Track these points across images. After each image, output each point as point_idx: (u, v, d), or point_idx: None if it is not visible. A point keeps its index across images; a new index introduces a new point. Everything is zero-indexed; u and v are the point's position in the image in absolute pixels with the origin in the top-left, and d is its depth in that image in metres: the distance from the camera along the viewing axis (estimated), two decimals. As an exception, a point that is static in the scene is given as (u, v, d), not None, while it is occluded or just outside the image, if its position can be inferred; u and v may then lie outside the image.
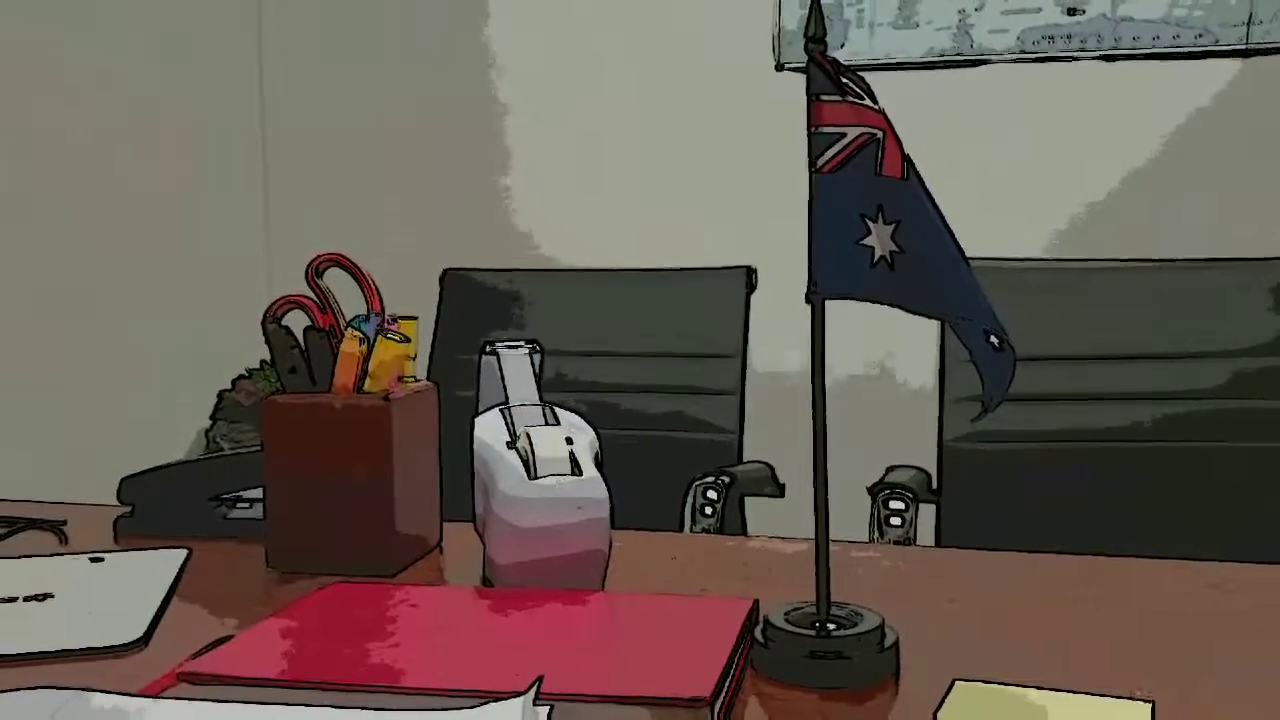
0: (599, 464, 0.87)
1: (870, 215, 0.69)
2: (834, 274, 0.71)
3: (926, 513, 1.64)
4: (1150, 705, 0.65)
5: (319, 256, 0.98)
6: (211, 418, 2.66)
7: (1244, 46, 2.37)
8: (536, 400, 0.92)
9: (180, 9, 2.70)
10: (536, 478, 0.84)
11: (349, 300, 0.99)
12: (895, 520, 1.57)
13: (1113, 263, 1.78)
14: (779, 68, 2.60)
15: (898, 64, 2.54)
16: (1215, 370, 1.67)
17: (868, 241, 0.69)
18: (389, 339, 0.96)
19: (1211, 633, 0.81)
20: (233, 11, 2.88)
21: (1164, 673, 0.73)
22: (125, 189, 2.53)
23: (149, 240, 2.58)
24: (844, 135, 0.68)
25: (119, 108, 2.53)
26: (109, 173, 2.50)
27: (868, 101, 0.68)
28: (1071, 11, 2.44)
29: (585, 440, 0.88)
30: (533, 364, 0.96)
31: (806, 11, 0.78)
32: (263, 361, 2.65)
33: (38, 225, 2.33)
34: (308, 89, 2.92)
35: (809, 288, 0.71)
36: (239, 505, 1.06)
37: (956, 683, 0.68)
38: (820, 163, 0.69)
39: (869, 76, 0.70)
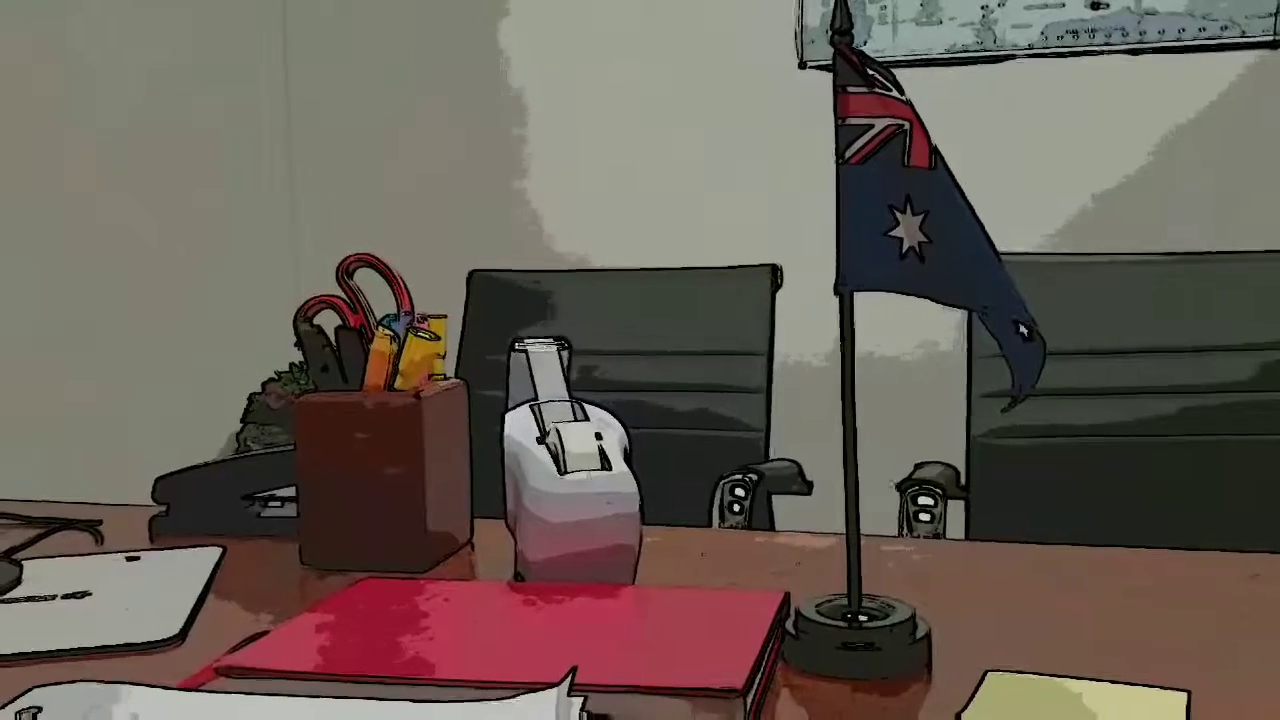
0: (628, 459, 0.87)
1: (898, 206, 0.69)
2: (862, 266, 0.71)
3: (955, 509, 1.64)
4: (1186, 695, 0.65)
5: (350, 257, 0.98)
6: (242, 420, 2.68)
7: (1271, 38, 2.35)
8: (566, 396, 0.93)
9: (206, 11, 2.72)
10: (566, 473, 0.84)
11: (378, 300, 1.00)
12: (924, 516, 1.56)
13: (1141, 256, 1.76)
14: (802, 65, 2.60)
15: (921, 60, 2.53)
16: (1248, 364, 1.65)
17: (896, 233, 0.69)
18: (419, 337, 0.96)
19: (1250, 623, 0.80)
20: (258, 13, 2.90)
21: (1201, 662, 0.72)
22: (152, 193, 2.55)
23: (176, 245, 2.61)
24: (871, 126, 0.68)
25: (146, 111, 2.55)
26: (136, 177, 2.52)
27: (894, 92, 0.68)
28: (1095, 5, 2.43)
29: (614, 436, 0.89)
30: (561, 360, 0.96)
31: (829, 9, 0.78)
32: (291, 364, 2.67)
33: (66, 229, 2.36)
34: (333, 91, 2.94)
35: (837, 280, 0.71)
36: (271, 504, 1.07)
37: (989, 673, 0.68)
38: (848, 154, 0.69)
39: (892, 73, 0.70)
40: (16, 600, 0.88)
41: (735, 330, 1.90)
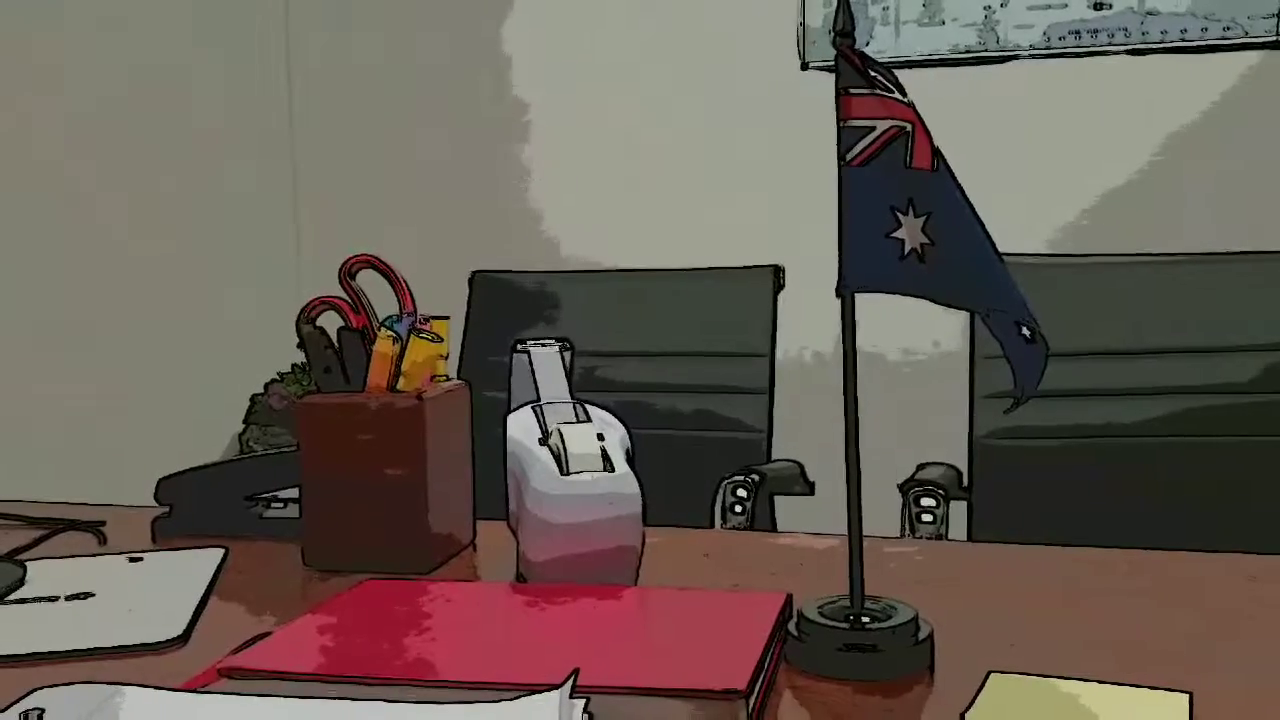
0: (630, 460, 0.87)
1: (900, 208, 0.69)
2: (864, 268, 0.70)
3: (957, 510, 1.64)
4: (1188, 696, 0.65)
5: (352, 258, 0.99)
6: (244, 421, 2.69)
7: (1273, 38, 2.35)
8: (568, 397, 0.93)
9: (207, 9, 2.73)
10: (569, 474, 0.84)
11: (380, 301, 1.00)
12: (926, 518, 1.56)
13: (1144, 257, 1.76)
14: (804, 66, 2.60)
15: (923, 61, 2.53)
16: (1250, 364, 1.65)
17: (898, 234, 0.69)
18: (422, 339, 0.96)
19: (1249, 624, 0.80)
20: (259, 12, 2.91)
21: (1202, 664, 0.72)
22: (153, 193, 2.56)
23: (178, 246, 2.61)
24: (873, 128, 0.68)
25: (147, 111, 2.55)
26: (139, 177, 2.53)
27: (896, 94, 0.68)
28: (1098, 6, 2.43)
29: (616, 436, 0.89)
30: (563, 361, 0.96)
31: (831, 10, 0.78)
32: (294, 365, 2.67)
33: (67, 228, 2.36)
34: (335, 91, 2.94)
35: (839, 282, 0.71)
36: (274, 505, 1.07)
37: (991, 674, 0.68)
38: (850, 156, 0.69)
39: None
40: (20, 601, 0.89)
41: (737, 331, 1.91)
